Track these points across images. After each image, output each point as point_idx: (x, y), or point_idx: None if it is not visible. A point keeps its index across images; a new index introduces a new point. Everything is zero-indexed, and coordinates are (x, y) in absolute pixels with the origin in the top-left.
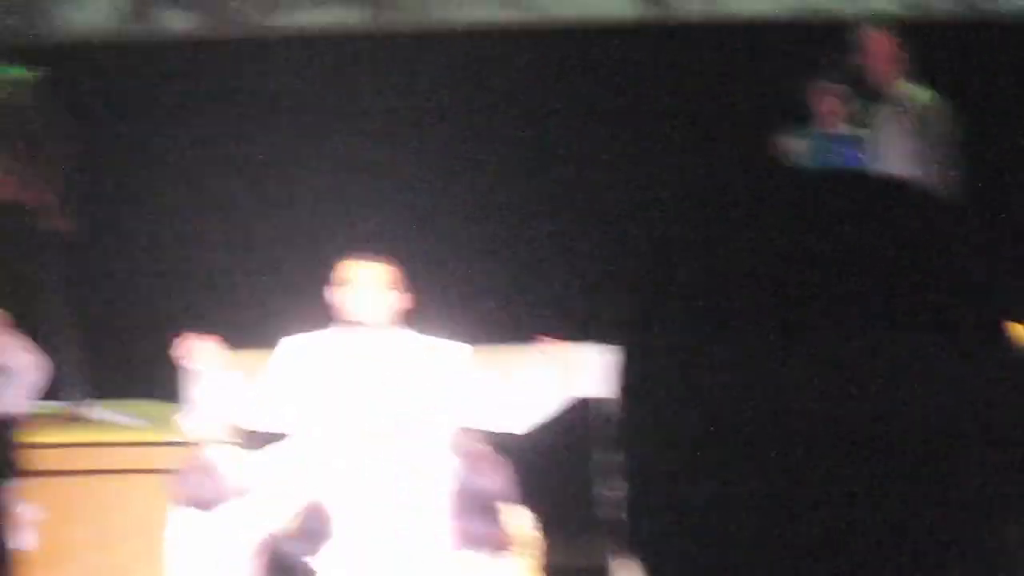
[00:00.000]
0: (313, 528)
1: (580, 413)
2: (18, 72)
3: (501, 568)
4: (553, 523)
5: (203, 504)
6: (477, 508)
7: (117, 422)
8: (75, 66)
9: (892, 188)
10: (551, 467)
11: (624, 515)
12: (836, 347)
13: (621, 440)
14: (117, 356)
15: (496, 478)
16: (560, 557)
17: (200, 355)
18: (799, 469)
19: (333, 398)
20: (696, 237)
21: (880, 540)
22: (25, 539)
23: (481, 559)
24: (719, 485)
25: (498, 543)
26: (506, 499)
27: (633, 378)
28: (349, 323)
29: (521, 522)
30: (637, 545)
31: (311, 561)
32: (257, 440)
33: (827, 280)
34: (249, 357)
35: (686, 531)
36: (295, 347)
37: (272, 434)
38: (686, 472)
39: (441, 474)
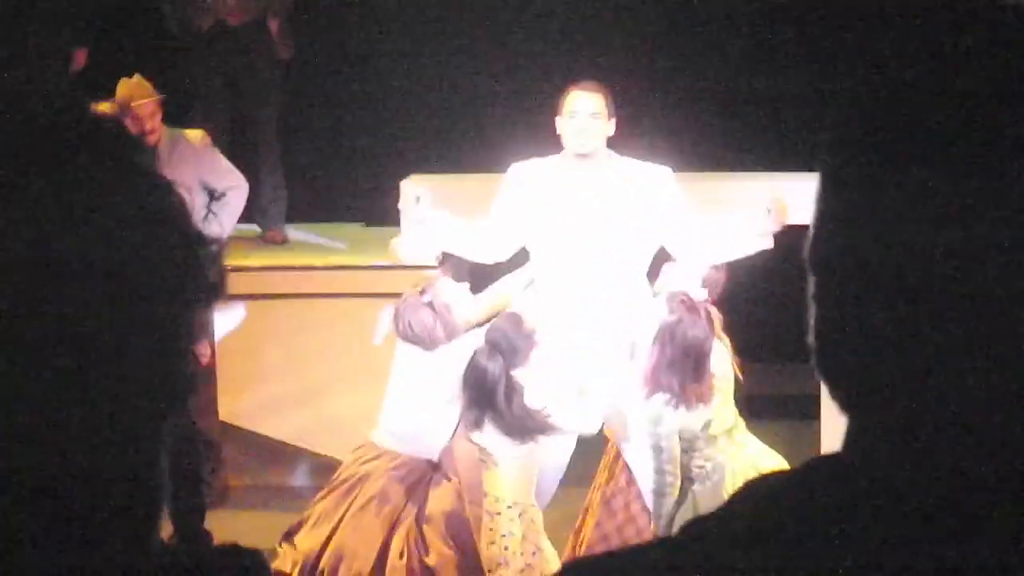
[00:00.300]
0: (516, 343)
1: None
2: None
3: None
4: (763, 352)
5: (426, 342)
6: (686, 361)
7: (314, 244)
8: None
9: None
10: (760, 294)
11: (814, 340)
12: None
13: (813, 266)
14: (319, 179)
15: (707, 329)
16: (769, 386)
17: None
18: (990, 301)
19: (554, 226)
20: (889, 74)
21: None
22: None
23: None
24: (909, 314)
25: (701, 396)
26: (711, 348)
27: (828, 205)
28: (572, 151)
29: (724, 365)
30: (824, 370)
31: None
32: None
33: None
34: (472, 181)
35: (874, 357)
36: (524, 173)
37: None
38: (877, 300)
39: (645, 309)
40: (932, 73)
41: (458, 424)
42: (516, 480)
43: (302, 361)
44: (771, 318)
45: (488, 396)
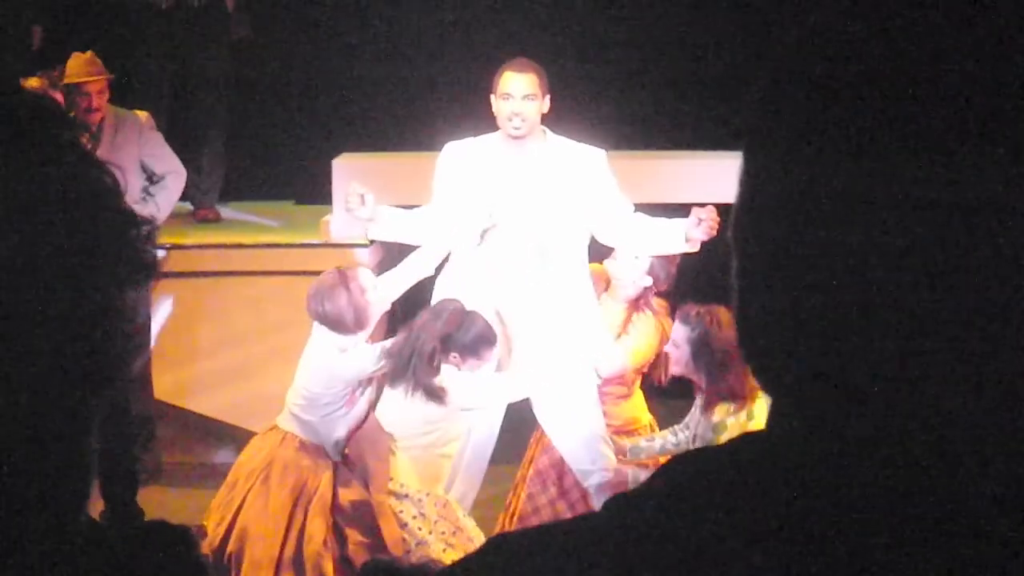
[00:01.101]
0: (467, 340)
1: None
2: None
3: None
4: None
5: (336, 323)
6: (721, 362)
7: (246, 222)
8: None
9: None
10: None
11: (736, 320)
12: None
13: (735, 246)
14: (252, 158)
15: (731, 331)
16: None
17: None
18: (910, 286)
19: (490, 207)
20: (820, 50)
21: None
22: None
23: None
24: (828, 295)
25: (744, 393)
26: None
27: (748, 184)
28: (507, 134)
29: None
30: (747, 350)
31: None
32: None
33: (953, 98)
34: (403, 160)
35: (793, 338)
36: (459, 153)
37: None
38: (796, 281)
39: (585, 299)
40: (853, 57)
41: (367, 411)
42: (422, 470)
43: (234, 339)
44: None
45: (411, 355)
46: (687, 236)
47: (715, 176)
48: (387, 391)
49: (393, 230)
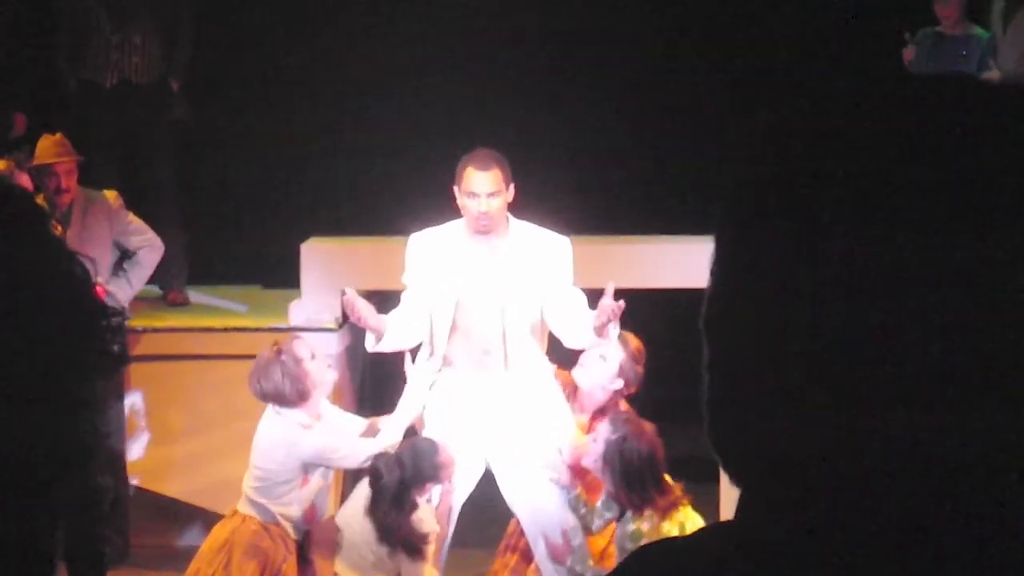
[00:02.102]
0: (422, 469)
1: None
2: None
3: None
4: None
5: (276, 397)
6: (644, 475)
7: (214, 305)
8: None
9: (992, 93)
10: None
11: (706, 409)
12: (933, 250)
13: (706, 333)
14: (220, 242)
15: (653, 442)
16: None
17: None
18: (890, 370)
19: (456, 299)
20: (793, 138)
21: None
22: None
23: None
24: (798, 388)
25: (649, 506)
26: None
27: (721, 272)
28: (474, 231)
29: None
30: (714, 440)
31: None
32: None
33: (923, 185)
34: (371, 244)
35: (763, 429)
36: (423, 245)
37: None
38: (767, 372)
39: (555, 397)
40: (829, 148)
41: (321, 491)
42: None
43: (203, 422)
44: (672, 378)
45: (376, 501)
46: (594, 327)
47: (685, 260)
48: (357, 500)
49: (389, 343)
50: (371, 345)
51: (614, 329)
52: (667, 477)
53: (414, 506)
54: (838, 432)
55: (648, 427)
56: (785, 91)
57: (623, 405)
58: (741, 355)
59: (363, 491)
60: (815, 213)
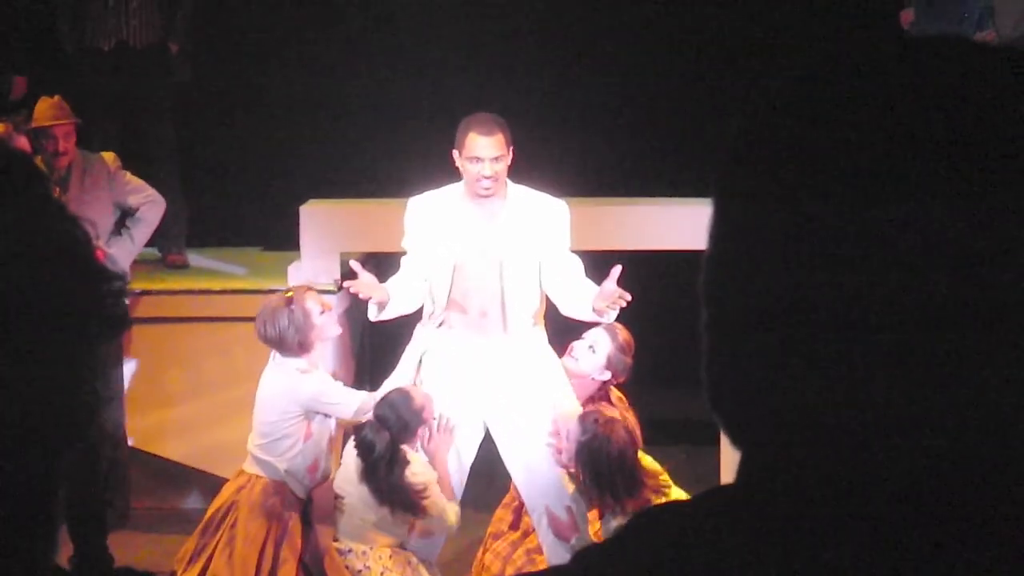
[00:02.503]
0: (405, 419)
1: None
2: None
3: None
4: (663, 376)
5: (278, 344)
6: (613, 477)
7: (214, 268)
8: None
9: (986, 55)
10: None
11: (705, 373)
12: (924, 215)
13: (705, 297)
14: (219, 204)
15: (625, 440)
16: (674, 411)
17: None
18: (886, 330)
19: (457, 262)
20: (789, 101)
21: None
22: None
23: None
24: (797, 350)
25: (634, 504)
26: (633, 459)
27: (719, 235)
28: (476, 194)
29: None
30: (714, 403)
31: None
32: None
33: (916, 149)
34: (370, 206)
35: (762, 392)
36: (422, 209)
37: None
38: (766, 334)
39: (553, 362)
40: (826, 110)
41: (327, 447)
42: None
43: (203, 385)
44: (672, 341)
45: (371, 465)
46: (593, 306)
47: (682, 223)
48: (350, 458)
49: (391, 311)
50: (373, 315)
51: (612, 313)
52: (648, 464)
53: (406, 462)
54: (836, 393)
55: (620, 427)
56: (782, 55)
57: (614, 394)
58: (739, 316)
59: (352, 457)
60: (812, 176)
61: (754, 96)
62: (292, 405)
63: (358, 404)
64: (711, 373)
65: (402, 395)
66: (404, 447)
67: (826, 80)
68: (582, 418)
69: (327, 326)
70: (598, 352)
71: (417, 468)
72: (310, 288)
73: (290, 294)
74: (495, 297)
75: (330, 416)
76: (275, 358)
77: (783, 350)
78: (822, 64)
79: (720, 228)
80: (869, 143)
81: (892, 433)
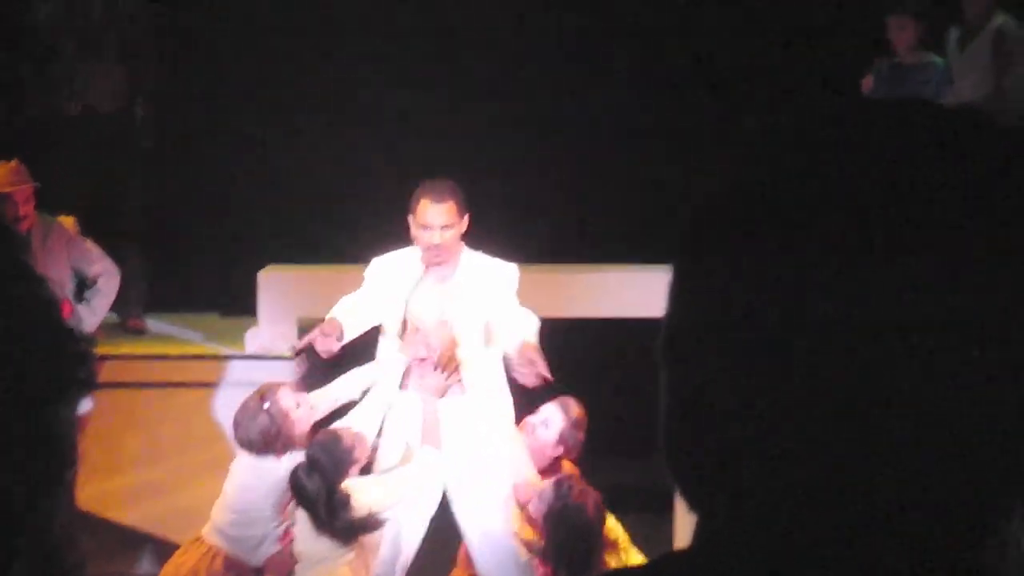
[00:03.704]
0: (336, 460)
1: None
2: None
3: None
4: (619, 444)
5: (263, 448)
6: (576, 545)
7: (173, 334)
8: None
9: (944, 117)
10: (619, 384)
11: (663, 436)
12: (888, 275)
13: (662, 361)
14: (178, 269)
15: (597, 512)
16: (630, 479)
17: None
18: (845, 395)
19: (410, 320)
20: (750, 165)
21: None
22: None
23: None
24: (759, 414)
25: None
26: (600, 532)
27: (679, 299)
28: (426, 260)
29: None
30: (672, 467)
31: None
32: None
33: (878, 209)
34: (330, 272)
35: (720, 455)
36: (384, 267)
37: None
38: (724, 398)
39: (504, 408)
40: (783, 179)
41: (283, 531)
42: None
43: (159, 450)
44: (628, 409)
45: (311, 510)
46: (513, 369)
47: (642, 290)
48: (302, 524)
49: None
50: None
51: (530, 378)
52: (609, 525)
53: (346, 499)
54: (796, 454)
55: (592, 497)
56: (742, 122)
57: (565, 468)
58: (698, 380)
59: (302, 514)
60: (773, 240)
61: (716, 170)
62: (269, 496)
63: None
64: (668, 435)
65: (331, 436)
66: (343, 486)
67: (786, 147)
68: (557, 483)
69: (306, 419)
70: (551, 428)
71: (361, 498)
72: (282, 384)
73: (261, 394)
74: (450, 360)
75: None
76: (242, 454)
77: (740, 416)
78: (781, 132)
79: (680, 291)
80: (831, 207)
81: (848, 499)
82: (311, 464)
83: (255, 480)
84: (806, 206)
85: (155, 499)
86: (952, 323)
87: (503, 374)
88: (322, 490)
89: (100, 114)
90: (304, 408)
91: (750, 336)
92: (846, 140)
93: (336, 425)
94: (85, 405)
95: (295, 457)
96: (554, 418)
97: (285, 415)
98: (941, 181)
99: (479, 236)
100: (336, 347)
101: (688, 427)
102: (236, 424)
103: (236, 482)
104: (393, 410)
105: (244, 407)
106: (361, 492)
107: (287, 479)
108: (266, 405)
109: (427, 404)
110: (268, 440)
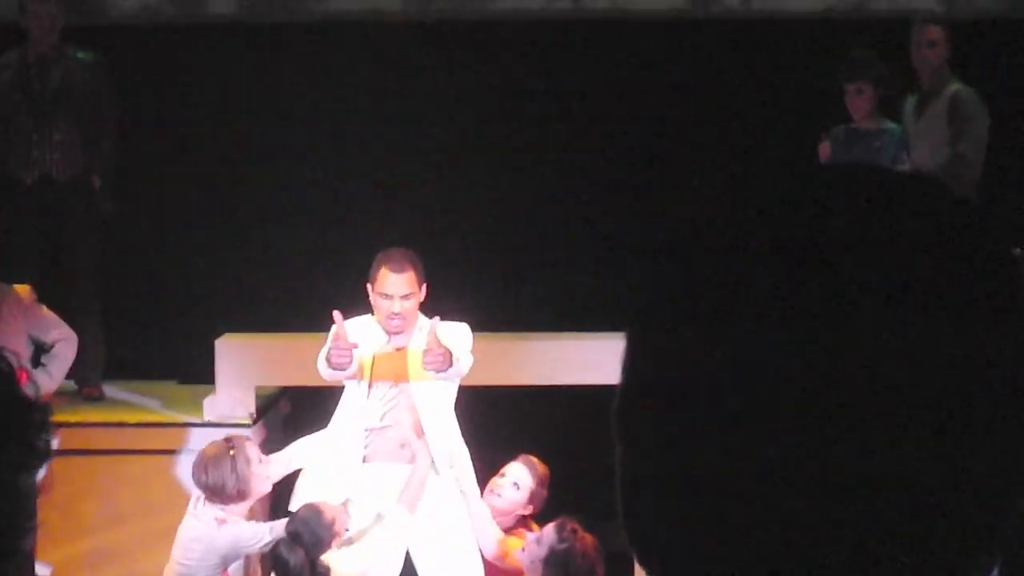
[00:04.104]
0: (318, 534)
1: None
2: (84, 55)
3: None
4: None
5: (218, 492)
6: None
7: (131, 401)
8: (122, 49)
9: (897, 183)
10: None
11: (620, 504)
12: (840, 341)
13: (619, 429)
14: (135, 337)
15: (596, 562)
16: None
17: None
18: (802, 462)
19: (368, 387)
20: (703, 232)
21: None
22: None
23: None
24: (719, 480)
25: None
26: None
27: (635, 366)
28: (385, 328)
29: None
30: (630, 535)
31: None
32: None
33: (829, 275)
34: (289, 340)
35: (676, 524)
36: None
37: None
38: (679, 468)
39: (467, 466)
40: (736, 244)
41: None
42: None
43: (118, 516)
44: (588, 474)
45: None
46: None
47: (600, 357)
48: None
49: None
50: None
51: (437, 370)
52: None
53: (327, 570)
54: (753, 522)
55: (590, 543)
56: (694, 187)
57: (533, 526)
58: (653, 448)
59: None
60: (724, 308)
61: (668, 239)
62: (210, 554)
63: (272, 534)
64: (626, 503)
65: (312, 511)
66: (322, 558)
67: (737, 214)
68: (559, 526)
69: (263, 478)
70: (521, 488)
71: (341, 569)
72: (248, 439)
73: (229, 442)
74: (410, 427)
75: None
76: (195, 507)
77: (698, 481)
78: (731, 199)
79: (634, 359)
80: (780, 276)
81: (810, 561)
82: (293, 538)
83: (191, 533)
84: (752, 273)
85: (114, 565)
86: (899, 385)
87: (459, 436)
88: (305, 565)
89: (57, 180)
90: (264, 466)
91: (698, 406)
92: (793, 204)
93: (313, 500)
94: (42, 472)
95: (241, 517)
96: (523, 478)
97: (248, 463)
98: (889, 245)
99: (438, 305)
100: (349, 361)
101: (643, 494)
102: (196, 464)
103: (183, 536)
104: (361, 483)
105: (206, 450)
106: (340, 563)
107: (221, 533)
108: (231, 452)
109: (388, 473)
110: (224, 486)
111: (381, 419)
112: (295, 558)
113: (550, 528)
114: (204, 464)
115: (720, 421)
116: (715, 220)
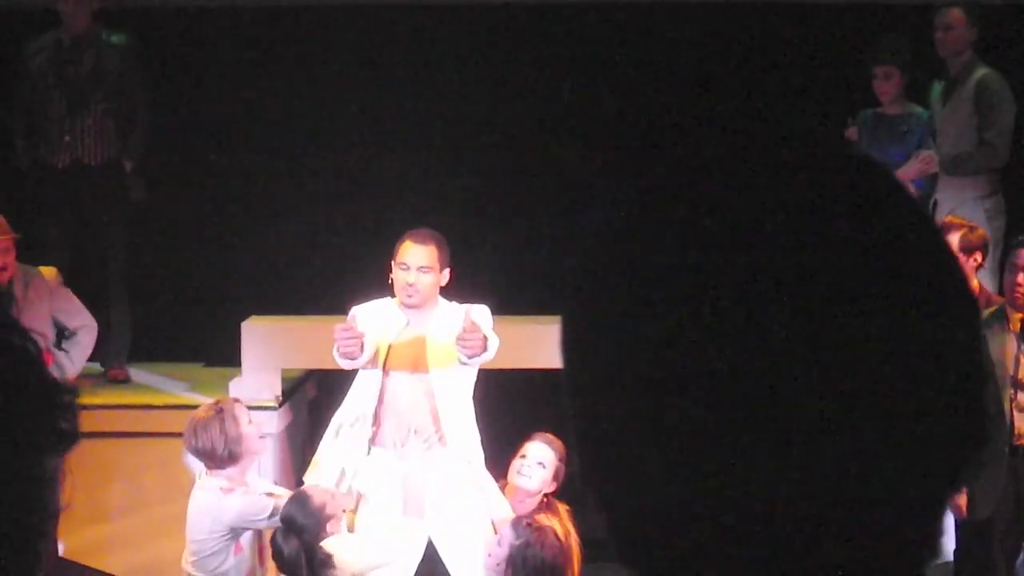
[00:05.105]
0: (307, 521)
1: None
2: (117, 38)
3: None
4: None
5: (209, 454)
6: None
7: (156, 384)
8: (154, 32)
9: (839, 168)
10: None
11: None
12: (791, 330)
13: (566, 411)
14: (161, 319)
15: (556, 547)
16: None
17: None
18: (742, 444)
19: (386, 367)
20: (660, 217)
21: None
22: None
23: None
24: (661, 460)
25: None
26: (565, 564)
27: (574, 349)
28: (401, 300)
29: None
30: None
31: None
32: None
33: (785, 265)
34: (314, 322)
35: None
36: (363, 316)
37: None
38: (629, 444)
39: (478, 456)
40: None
41: (255, 562)
42: None
43: (143, 499)
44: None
45: (293, 573)
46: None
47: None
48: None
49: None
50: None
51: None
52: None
53: (327, 558)
54: (697, 505)
55: (551, 534)
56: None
57: (561, 507)
58: (599, 431)
59: None
60: (653, 294)
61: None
62: (218, 525)
63: (276, 510)
64: (585, 485)
65: (302, 495)
66: (323, 544)
67: (674, 195)
68: (515, 523)
69: (254, 438)
70: (547, 466)
71: (345, 557)
72: (237, 400)
73: (217, 403)
74: (426, 414)
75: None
76: (200, 477)
77: (644, 469)
78: (678, 180)
79: (569, 348)
80: (708, 259)
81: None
82: (287, 526)
83: (198, 506)
84: (686, 251)
85: (138, 548)
86: (832, 370)
87: (473, 422)
88: (301, 552)
89: (88, 166)
90: (255, 427)
91: (635, 383)
92: (729, 189)
93: (307, 483)
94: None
95: (234, 482)
96: (547, 456)
97: (236, 424)
98: (826, 231)
99: (465, 292)
100: (358, 350)
101: (597, 479)
102: (186, 429)
103: (191, 511)
104: (368, 469)
105: (195, 414)
106: (343, 551)
107: (226, 502)
108: (219, 413)
109: (401, 459)
110: (214, 448)
111: (394, 405)
112: (290, 547)
113: (507, 528)
114: (194, 428)
115: (646, 411)
116: (651, 201)
